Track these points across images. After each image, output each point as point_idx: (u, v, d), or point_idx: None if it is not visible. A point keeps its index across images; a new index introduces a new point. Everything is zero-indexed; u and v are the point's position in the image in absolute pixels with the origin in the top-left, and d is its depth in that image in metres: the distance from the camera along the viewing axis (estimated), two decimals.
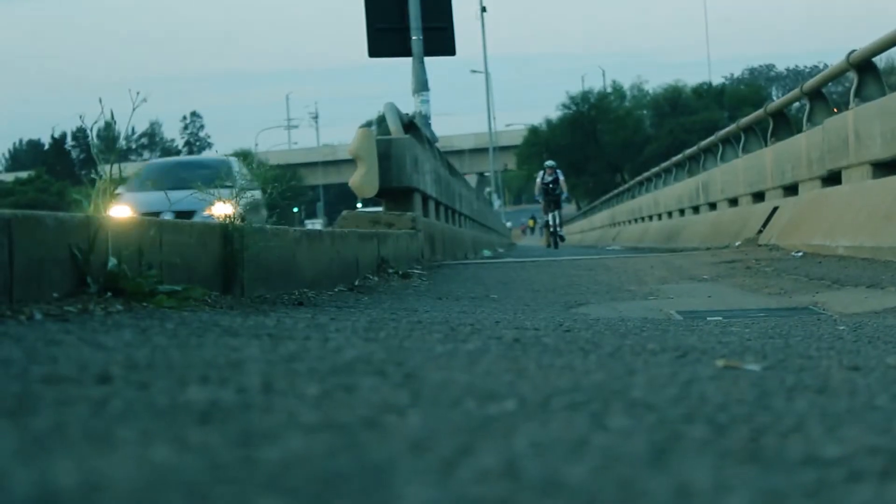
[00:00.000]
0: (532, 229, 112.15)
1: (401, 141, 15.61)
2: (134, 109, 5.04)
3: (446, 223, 21.62)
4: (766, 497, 1.71)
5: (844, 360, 3.85)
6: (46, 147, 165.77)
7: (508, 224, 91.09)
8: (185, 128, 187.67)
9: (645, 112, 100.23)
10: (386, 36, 19.93)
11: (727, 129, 24.77)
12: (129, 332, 3.57)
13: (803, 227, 14.80)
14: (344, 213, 14.73)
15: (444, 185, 21.49)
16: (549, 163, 37.27)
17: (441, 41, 20.23)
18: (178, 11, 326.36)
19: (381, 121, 19.25)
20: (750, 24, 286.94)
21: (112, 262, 4.62)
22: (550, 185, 35.27)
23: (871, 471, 1.90)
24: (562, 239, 36.26)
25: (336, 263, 8.78)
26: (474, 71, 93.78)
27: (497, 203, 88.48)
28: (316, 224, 34.10)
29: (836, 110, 16.33)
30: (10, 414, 2.08)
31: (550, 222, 35.79)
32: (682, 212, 30.05)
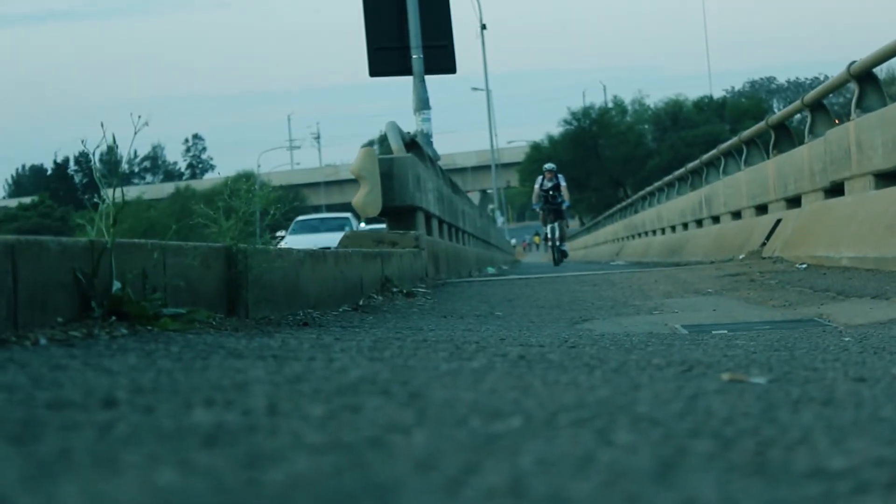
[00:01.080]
0: (537, 245, 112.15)
1: (403, 160, 15.62)
2: (136, 133, 5.05)
3: (450, 241, 21.62)
4: None
5: (850, 372, 3.84)
6: (49, 172, 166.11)
7: (513, 241, 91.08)
8: (188, 150, 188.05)
9: (646, 126, 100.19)
10: (386, 55, 19.96)
11: (729, 142, 24.78)
12: (133, 355, 3.57)
13: (807, 239, 14.80)
14: (347, 232, 14.74)
15: (446, 203, 21.49)
16: (549, 166, 32.83)
17: (441, 59, 20.25)
18: (179, 34, 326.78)
19: (383, 140, 19.29)
20: (750, 37, 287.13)
21: (116, 285, 4.62)
22: (550, 192, 31.20)
23: (877, 482, 1.90)
24: (564, 255, 31.72)
25: (340, 283, 8.78)
26: (475, 88, 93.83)
27: (500, 220, 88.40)
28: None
29: (837, 121, 16.34)
30: (16, 440, 2.08)
31: (550, 235, 31.58)
32: (685, 226, 30.06)
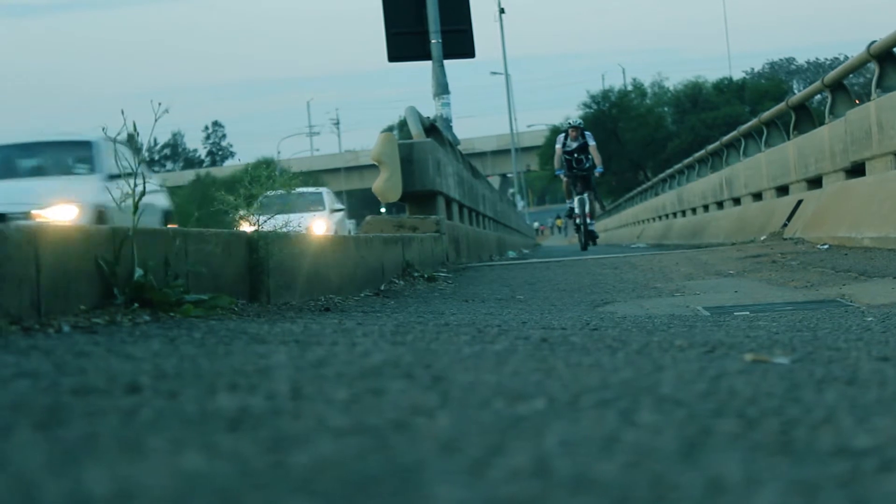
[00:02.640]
0: (560, 228, 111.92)
1: (423, 144, 15.61)
2: (156, 120, 5.06)
3: (470, 225, 21.60)
4: (799, 489, 1.71)
5: (873, 351, 3.83)
6: None
7: (535, 224, 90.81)
8: (208, 137, 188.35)
9: (666, 109, 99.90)
10: (405, 40, 19.94)
11: (749, 124, 24.69)
12: (156, 342, 3.58)
13: (828, 220, 14.76)
14: (368, 217, 14.74)
15: (467, 188, 21.48)
16: (573, 120, 26.21)
17: (460, 44, 20.22)
18: (198, 21, 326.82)
19: (403, 125, 19.29)
20: (769, 18, 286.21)
21: (138, 272, 4.63)
22: (576, 155, 24.79)
23: None
24: (593, 237, 25.45)
25: (361, 268, 8.78)
26: (494, 73, 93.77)
27: (520, 204, 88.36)
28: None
29: (857, 102, 16.27)
30: (42, 426, 2.09)
31: (577, 210, 24.87)
32: (706, 207, 29.98)
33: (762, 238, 17.41)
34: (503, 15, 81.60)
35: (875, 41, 13.80)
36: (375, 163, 15.10)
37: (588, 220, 24.92)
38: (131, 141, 5.14)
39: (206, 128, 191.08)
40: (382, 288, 8.97)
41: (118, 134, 5.09)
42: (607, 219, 69.86)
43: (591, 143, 25.07)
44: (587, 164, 24.88)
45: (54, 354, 3.11)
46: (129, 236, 4.65)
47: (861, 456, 1.94)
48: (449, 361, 3.34)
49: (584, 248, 24.48)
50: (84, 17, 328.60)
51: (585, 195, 24.83)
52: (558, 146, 25.16)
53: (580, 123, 25.85)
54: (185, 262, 5.20)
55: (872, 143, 13.64)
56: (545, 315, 6.47)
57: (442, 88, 20.25)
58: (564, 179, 25.37)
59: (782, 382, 2.92)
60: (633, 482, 1.75)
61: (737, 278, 10.14)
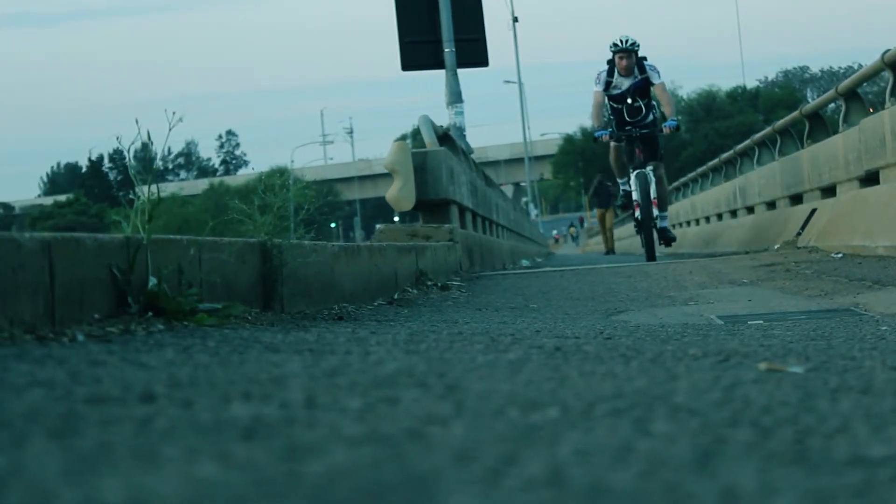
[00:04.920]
0: (573, 237, 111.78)
1: (436, 153, 15.61)
2: (170, 129, 5.06)
3: (483, 234, 21.60)
4: (814, 498, 1.71)
5: (888, 360, 3.83)
6: (84, 170, 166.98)
7: (554, 232, 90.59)
8: (221, 146, 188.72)
9: (680, 117, 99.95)
10: (418, 49, 19.94)
11: (763, 132, 24.66)
12: (171, 350, 3.58)
13: (842, 228, 14.73)
14: (381, 226, 14.75)
15: (480, 196, 21.48)
16: (625, 39, 16.36)
17: (474, 52, 20.21)
18: (212, 31, 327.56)
19: (416, 133, 19.27)
20: (783, 26, 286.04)
21: (152, 281, 4.64)
22: (629, 101, 16.27)
23: None
24: (668, 237, 17.65)
25: (375, 277, 8.79)
26: (508, 81, 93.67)
27: (534, 212, 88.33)
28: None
29: (871, 110, 16.25)
30: (57, 434, 2.09)
31: (637, 196, 16.29)
32: (719, 216, 29.95)
33: (776, 247, 17.38)
34: (517, 23, 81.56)
35: (889, 50, 13.77)
36: (389, 171, 15.11)
37: (657, 213, 16.26)
38: (145, 150, 5.14)
39: (220, 137, 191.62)
40: (396, 296, 8.97)
41: (132, 143, 5.10)
42: (619, 228, 69.83)
43: (658, 79, 16.18)
44: (650, 117, 16.19)
45: (69, 363, 3.12)
46: (144, 245, 4.66)
47: (876, 465, 1.93)
48: (463, 370, 3.34)
49: (651, 257, 16.10)
50: (97, 27, 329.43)
51: (650, 169, 15.91)
52: (598, 88, 16.13)
53: (635, 45, 16.10)
54: (198, 271, 5.21)
55: (887, 152, 13.62)
56: (558, 324, 6.47)
57: (455, 97, 20.25)
58: (613, 145, 16.30)
59: (797, 391, 2.91)
60: (648, 491, 1.75)
61: (750, 287, 10.12)
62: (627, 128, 16.10)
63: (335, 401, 2.59)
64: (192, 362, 3.27)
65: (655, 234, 16.49)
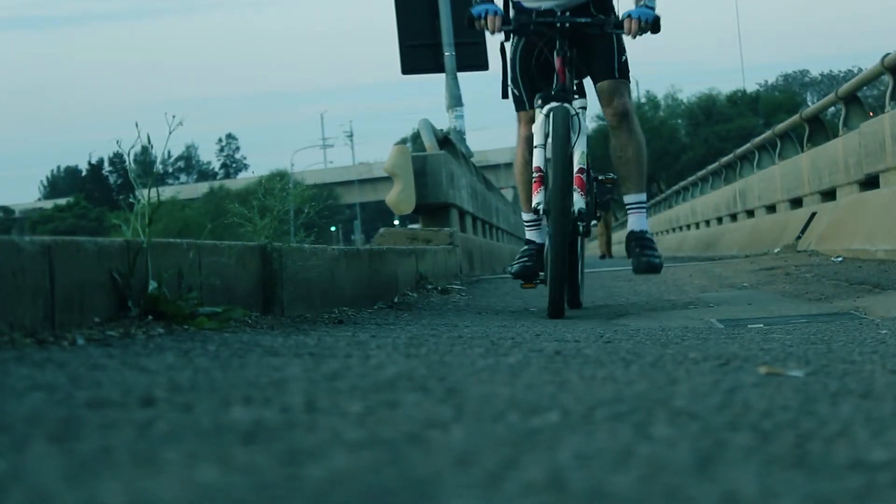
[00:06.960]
0: None
1: (436, 157, 15.62)
2: (170, 133, 5.06)
3: (484, 238, 21.60)
4: (814, 502, 1.71)
5: (888, 364, 3.82)
6: (84, 173, 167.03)
7: None
8: (221, 150, 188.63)
9: (679, 121, 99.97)
10: (418, 52, 19.96)
11: (763, 136, 24.69)
12: (171, 354, 3.58)
13: (842, 232, 14.74)
14: (381, 230, 14.76)
15: (480, 200, 21.48)
16: None
17: (474, 56, 20.23)
18: (212, 34, 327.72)
19: (416, 137, 19.28)
20: (783, 30, 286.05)
21: (152, 285, 4.64)
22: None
23: None
24: (652, 267, 8.04)
25: (375, 281, 8.79)
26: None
27: None
28: None
29: (871, 114, 16.25)
30: (57, 438, 2.09)
31: (539, 162, 7.86)
32: (719, 220, 29.97)
33: (776, 250, 17.39)
34: None
35: (889, 53, 13.78)
36: (389, 175, 15.12)
37: (581, 201, 7.72)
38: (145, 153, 5.14)
39: (220, 140, 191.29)
40: (396, 300, 8.97)
41: (132, 146, 5.09)
42: (620, 231, 69.73)
43: None
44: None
45: (69, 367, 3.12)
46: (144, 248, 4.66)
47: (877, 470, 1.93)
48: (463, 374, 3.34)
49: (557, 312, 7.41)
50: (98, 30, 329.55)
51: (579, 105, 8.15)
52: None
53: None
54: (198, 275, 5.21)
55: (887, 156, 13.62)
56: (559, 327, 6.46)
57: (455, 101, 20.26)
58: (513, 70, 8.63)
59: (797, 395, 2.91)
60: (648, 495, 1.75)
61: (751, 291, 10.13)
62: (543, 8, 8.01)
63: (335, 405, 2.59)
64: (193, 366, 3.27)
65: (580, 246, 8.78)
